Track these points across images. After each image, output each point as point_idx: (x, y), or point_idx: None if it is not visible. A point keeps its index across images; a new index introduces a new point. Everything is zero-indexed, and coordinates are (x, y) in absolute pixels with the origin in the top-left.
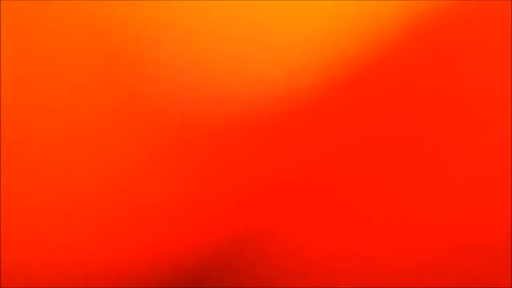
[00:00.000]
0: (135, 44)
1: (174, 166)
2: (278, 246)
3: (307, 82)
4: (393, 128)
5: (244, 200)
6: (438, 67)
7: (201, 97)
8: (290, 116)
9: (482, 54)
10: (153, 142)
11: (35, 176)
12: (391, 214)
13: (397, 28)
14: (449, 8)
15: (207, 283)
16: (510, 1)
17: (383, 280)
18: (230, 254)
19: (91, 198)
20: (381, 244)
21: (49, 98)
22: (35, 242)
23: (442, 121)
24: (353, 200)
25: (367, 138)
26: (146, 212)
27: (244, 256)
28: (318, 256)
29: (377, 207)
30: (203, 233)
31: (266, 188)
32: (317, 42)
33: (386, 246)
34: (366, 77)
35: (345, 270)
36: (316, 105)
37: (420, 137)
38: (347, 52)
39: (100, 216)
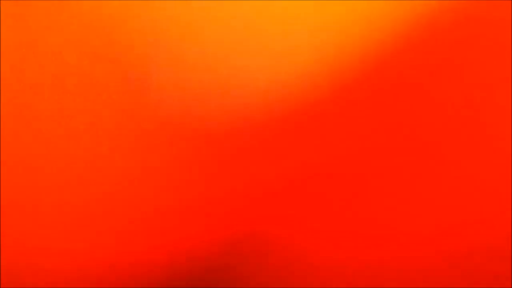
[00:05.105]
0: (137, 44)
1: (175, 168)
2: (278, 247)
3: (309, 83)
4: (394, 129)
5: (245, 202)
6: (439, 67)
7: (202, 99)
8: (293, 118)
9: (482, 54)
10: (154, 144)
11: (35, 177)
12: (392, 216)
13: (400, 29)
14: (450, 8)
15: (208, 284)
16: (510, 1)
17: (383, 281)
18: (231, 255)
19: (92, 198)
20: (381, 246)
21: (49, 98)
22: (35, 242)
23: (443, 122)
24: (354, 202)
25: (370, 139)
26: (147, 213)
27: (245, 257)
28: (318, 257)
29: (378, 209)
30: (205, 234)
31: (267, 190)
32: (319, 43)
33: (386, 248)
34: (368, 78)
35: (346, 271)
36: (318, 107)
37: (421, 138)
38: (349, 53)
39: (102, 216)
